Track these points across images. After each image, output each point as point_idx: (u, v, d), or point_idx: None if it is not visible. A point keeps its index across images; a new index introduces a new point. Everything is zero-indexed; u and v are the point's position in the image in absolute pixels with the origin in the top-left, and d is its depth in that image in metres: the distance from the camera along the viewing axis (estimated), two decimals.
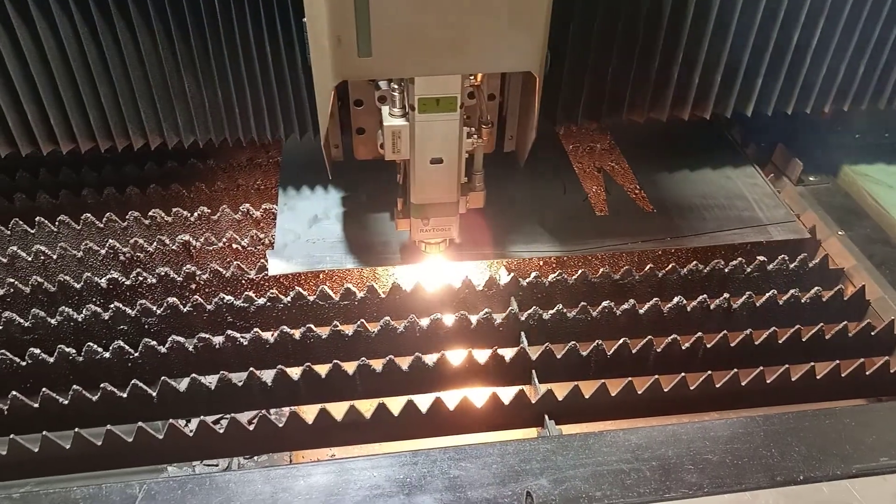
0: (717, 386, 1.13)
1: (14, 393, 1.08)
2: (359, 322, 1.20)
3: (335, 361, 1.13)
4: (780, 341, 1.20)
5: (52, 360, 1.15)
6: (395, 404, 1.11)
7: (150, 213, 1.39)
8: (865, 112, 1.49)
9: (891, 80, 1.44)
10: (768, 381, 1.14)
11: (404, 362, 1.16)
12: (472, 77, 1.13)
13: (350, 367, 1.15)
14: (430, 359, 1.17)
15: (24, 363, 1.15)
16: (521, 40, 1.00)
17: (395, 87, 1.09)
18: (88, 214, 1.38)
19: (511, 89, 1.26)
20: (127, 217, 1.39)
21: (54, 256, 1.32)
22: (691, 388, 1.13)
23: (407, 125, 1.11)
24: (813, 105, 1.44)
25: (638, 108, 1.40)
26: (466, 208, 1.26)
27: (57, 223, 1.38)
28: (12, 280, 1.26)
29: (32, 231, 1.37)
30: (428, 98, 1.06)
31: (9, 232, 1.37)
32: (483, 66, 1.05)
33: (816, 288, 1.28)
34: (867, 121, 1.59)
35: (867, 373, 1.16)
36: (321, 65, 1.00)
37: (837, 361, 1.16)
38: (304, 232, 1.37)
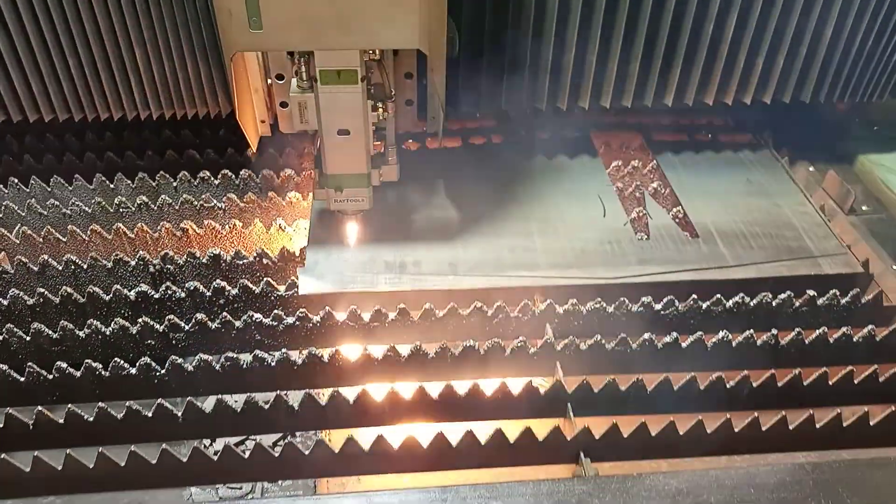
0: (764, 429, 1.08)
1: (39, 408, 1.07)
2: (389, 346, 1.17)
3: (363, 387, 1.10)
4: (830, 383, 1.14)
5: (78, 374, 1.14)
6: (425, 433, 1.07)
7: (181, 225, 1.37)
8: (883, 105, 1.58)
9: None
10: (818, 426, 1.08)
11: (435, 390, 1.13)
12: (371, 52, 1.18)
13: (379, 392, 1.11)
14: (462, 387, 1.13)
15: (50, 376, 1.14)
16: (400, 17, 1.05)
17: (300, 59, 1.16)
18: (120, 225, 1.37)
19: (434, 75, 1.26)
20: (158, 228, 1.37)
21: (84, 266, 1.31)
22: (736, 430, 1.07)
23: (312, 96, 1.18)
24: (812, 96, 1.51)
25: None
26: (380, 181, 1.32)
27: (89, 232, 1.37)
28: (42, 290, 1.25)
29: (64, 240, 1.36)
30: (328, 70, 1.12)
31: (41, 240, 1.36)
32: (367, 42, 1.10)
33: (870, 326, 1.21)
34: (884, 113, 1.66)
35: None
36: (221, 37, 1.09)
37: (892, 407, 1.10)
38: (335, 249, 1.34)
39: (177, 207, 1.44)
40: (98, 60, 1.38)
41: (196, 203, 1.44)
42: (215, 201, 1.45)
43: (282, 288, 1.28)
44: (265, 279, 1.27)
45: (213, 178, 1.50)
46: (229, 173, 1.51)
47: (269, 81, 1.33)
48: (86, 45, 1.36)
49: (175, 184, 1.50)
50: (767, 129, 1.69)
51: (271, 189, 1.49)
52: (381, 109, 1.24)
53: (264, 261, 1.33)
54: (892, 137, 1.64)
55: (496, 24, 1.39)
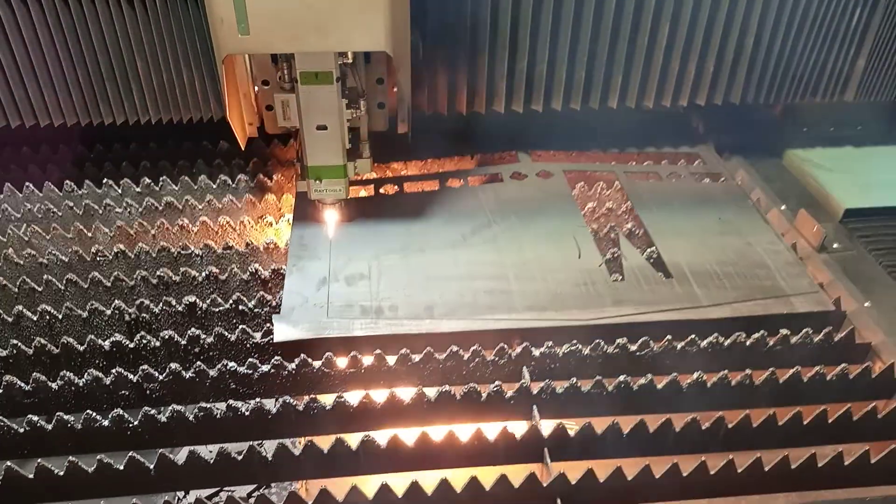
0: (740, 471, 1.08)
1: (8, 463, 1.05)
2: (364, 393, 1.17)
3: (338, 437, 1.09)
4: (805, 422, 1.15)
5: (50, 427, 1.12)
6: (400, 482, 1.06)
7: (157, 273, 1.37)
8: (810, 108, 1.85)
9: (829, 77, 1.72)
10: (794, 467, 1.08)
11: (410, 437, 1.12)
12: (343, 56, 1.34)
13: (353, 441, 1.11)
14: (437, 433, 1.13)
15: (21, 430, 1.12)
16: (368, 23, 1.21)
17: (283, 63, 1.34)
18: (96, 273, 1.37)
19: (399, 76, 1.40)
20: (134, 276, 1.37)
21: (60, 316, 1.30)
22: (711, 472, 1.07)
23: (293, 95, 1.34)
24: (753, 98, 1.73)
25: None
26: (356, 173, 1.49)
27: (64, 281, 1.36)
28: (16, 341, 1.24)
29: (40, 289, 1.36)
30: (308, 72, 1.29)
31: (16, 290, 1.36)
32: (340, 45, 1.25)
33: (843, 364, 1.22)
34: (813, 116, 1.90)
35: None
36: (214, 41, 1.24)
37: (867, 446, 1.10)
38: (311, 295, 1.34)
39: (154, 255, 1.44)
40: (104, 70, 1.53)
41: (173, 250, 1.45)
42: (192, 248, 1.46)
43: (257, 335, 1.28)
44: (241, 326, 1.27)
45: (191, 226, 1.52)
46: (208, 220, 1.52)
47: (256, 88, 1.48)
48: (93, 55, 1.51)
49: (153, 231, 1.51)
50: (707, 132, 1.89)
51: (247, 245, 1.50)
52: (354, 109, 1.39)
53: (240, 307, 1.33)
54: (818, 137, 1.87)
55: (456, 33, 1.56)
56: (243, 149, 1.53)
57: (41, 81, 1.53)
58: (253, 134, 1.56)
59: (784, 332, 1.27)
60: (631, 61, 1.65)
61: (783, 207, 1.63)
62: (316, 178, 1.44)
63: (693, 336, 1.26)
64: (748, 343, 1.26)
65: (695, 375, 1.20)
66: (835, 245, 1.52)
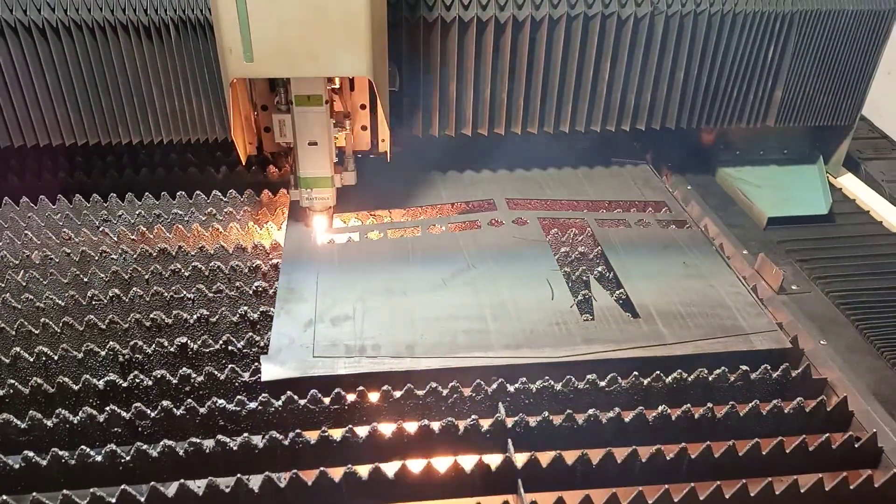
0: (702, 499, 1.14)
1: (4, 498, 1.10)
2: (347, 427, 1.23)
3: (322, 469, 1.15)
4: (763, 453, 1.22)
5: (44, 462, 1.17)
6: None
7: (151, 316, 1.44)
8: (744, 133, 2.09)
9: (751, 105, 1.96)
10: (752, 495, 1.15)
11: (391, 469, 1.18)
12: (331, 82, 1.58)
13: (336, 474, 1.16)
14: (416, 465, 1.18)
15: (16, 466, 1.17)
16: (354, 52, 1.40)
17: (281, 88, 1.55)
18: (92, 316, 1.43)
19: (378, 101, 1.59)
20: (128, 319, 1.44)
21: (56, 357, 1.36)
22: (675, 501, 1.14)
23: (289, 116, 1.56)
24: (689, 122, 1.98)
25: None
26: (341, 183, 1.70)
27: (61, 324, 1.42)
28: (13, 381, 1.29)
29: (37, 332, 1.42)
30: (301, 95, 1.52)
31: (13, 332, 1.42)
32: (329, 70, 1.45)
33: (799, 398, 1.30)
34: (745, 141, 2.13)
35: (851, 487, 1.17)
36: (222, 68, 1.44)
37: (821, 475, 1.17)
38: (298, 336, 1.41)
39: (147, 299, 1.51)
40: (124, 96, 1.76)
41: (166, 294, 1.52)
42: (184, 291, 1.53)
43: (246, 374, 1.34)
44: (230, 366, 1.33)
45: (184, 270, 1.59)
46: (200, 265, 1.59)
47: (256, 113, 1.70)
48: (115, 82, 1.73)
49: (147, 276, 1.58)
50: (651, 153, 2.19)
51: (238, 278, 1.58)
52: (341, 129, 1.62)
53: (229, 348, 1.39)
54: (749, 158, 2.14)
55: (428, 66, 1.81)
56: (244, 164, 1.77)
57: (68, 104, 1.74)
58: (252, 152, 1.78)
59: (744, 368, 1.35)
60: (579, 92, 1.90)
61: (744, 252, 1.73)
62: (307, 188, 1.64)
63: (658, 372, 1.34)
64: (710, 378, 1.34)
65: (659, 409, 1.27)
66: (793, 287, 1.61)
